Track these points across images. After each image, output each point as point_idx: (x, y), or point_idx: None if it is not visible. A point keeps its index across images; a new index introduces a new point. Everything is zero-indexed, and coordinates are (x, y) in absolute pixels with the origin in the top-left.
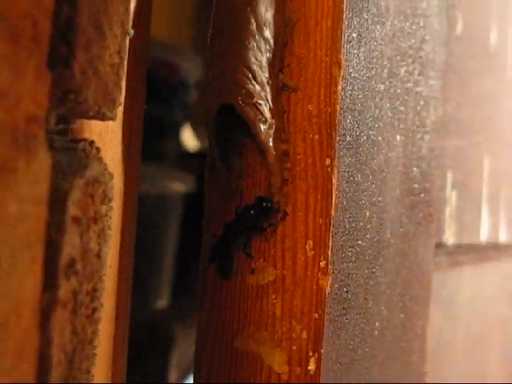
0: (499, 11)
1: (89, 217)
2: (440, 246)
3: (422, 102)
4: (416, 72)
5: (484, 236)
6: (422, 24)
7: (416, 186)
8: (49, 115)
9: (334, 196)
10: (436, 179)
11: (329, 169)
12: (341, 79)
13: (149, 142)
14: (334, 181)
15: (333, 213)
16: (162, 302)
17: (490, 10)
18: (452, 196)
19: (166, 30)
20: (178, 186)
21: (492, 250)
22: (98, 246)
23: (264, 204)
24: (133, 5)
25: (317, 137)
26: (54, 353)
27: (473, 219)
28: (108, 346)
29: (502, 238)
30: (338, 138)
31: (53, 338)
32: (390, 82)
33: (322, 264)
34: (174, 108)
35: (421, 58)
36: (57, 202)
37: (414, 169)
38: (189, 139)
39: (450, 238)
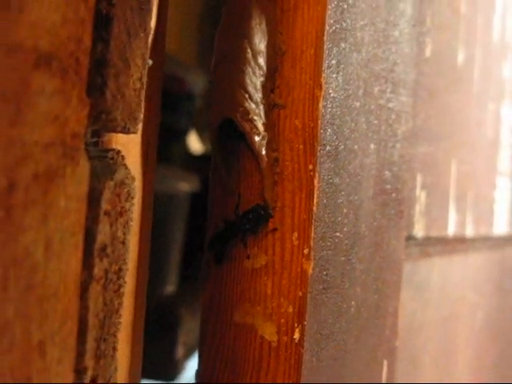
0: (466, 34)
1: (116, 211)
2: (410, 238)
3: (393, 116)
4: (388, 90)
5: (451, 230)
6: (393, 50)
7: (388, 186)
8: (87, 131)
9: (315, 195)
10: (406, 181)
11: (311, 173)
12: (322, 99)
13: (159, 146)
14: (316, 183)
15: (314, 209)
16: (170, 288)
17: (457, 34)
18: (421, 195)
19: (173, 44)
20: (185, 185)
21: (459, 244)
22: (123, 235)
23: (260, 211)
24: (150, 39)
25: (301, 146)
26: (89, 317)
27: (441, 215)
28: (130, 317)
29: (469, 232)
30: (319, 148)
31: (89, 306)
32: (365, 100)
33: (306, 251)
34: (181, 117)
35: (393, 78)
36: (93, 199)
37: (386, 172)
38: (194, 144)
39: (419, 231)
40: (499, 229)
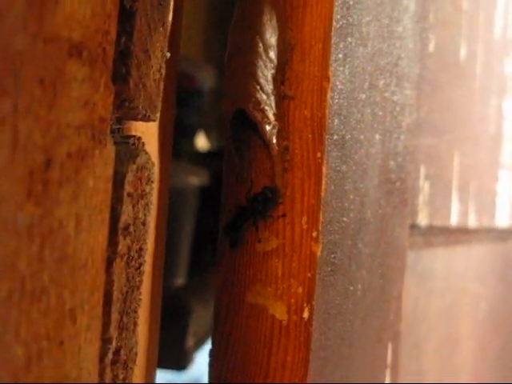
0: (468, 30)
1: (138, 193)
2: (414, 226)
3: (397, 108)
4: (393, 84)
5: (454, 220)
6: (398, 45)
7: (392, 176)
8: (112, 117)
9: (323, 182)
10: (410, 171)
11: (319, 160)
12: (329, 90)
13: None
14: (324, 170)
15: (322, 195)
16: (181, 281)
17: (459, 30)
18: (425, 185)
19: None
20: (194, 179)
21: (462, 235)
22: (143, 216)
23: (268, 193)
24: (168, 33)
25: (310, 135)
26: (114, 291)
27: (444, 205)
28: (148, 296)
29: (471, 223)
30: (326, 137)
31: (114, 280)
32: (371, 92)
33: (314, 235)
34: (191, 112)
35: (397, 72)
36: (117, 181)
37: (391, 162)
38: (203, 139)
39: (422, 219)
40: (502, 221)
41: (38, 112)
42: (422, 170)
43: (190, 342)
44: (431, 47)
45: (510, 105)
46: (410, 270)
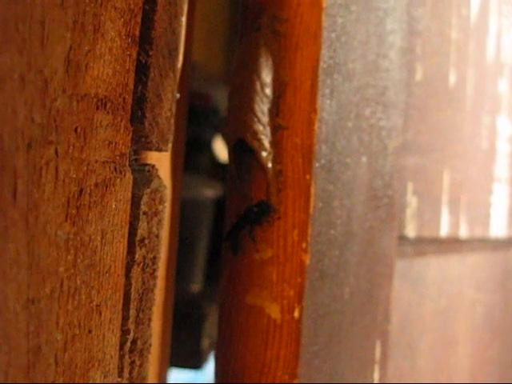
0: (457, 57)
1: (152, 212)
2: (403, 238)
3: (384, 133)
4: (379, 111)
5: (444, 231)
6: (384, 77)
7: (379, 193)
8: (130, 151)
9: (312, 200)
10: (397, 188)
11: (308, 182)
12: (317, 121)
13: (187, 156)
14: (312, 190)
15: (311, 211)
16: (197, 286)
17: (448, 58)
18: (412, 200)
19: (202, 56)
20: (211, 191)
21: (454, 244)
22: (157, 230)
23: (262, 205)
24: (178, 76)
25: (300, 160)
26: (132, 292)
27: (433, 217)
28: (162, 298)
29: (463, 234)
30: (315, 161)
31: (132, 283)
32: (357, 121)
33: (304, 246)
34: (207, 129)
35: (383, 101)
36: (135, 202)
37: (378, 181)
38: (218, 154)
39: (410, 231)
40: (498, 232)
41: (73, 153)
42: (410, 187)
43: (205, 343)
44: (418, 76)
45: (504, 122)
46: (401, 276)
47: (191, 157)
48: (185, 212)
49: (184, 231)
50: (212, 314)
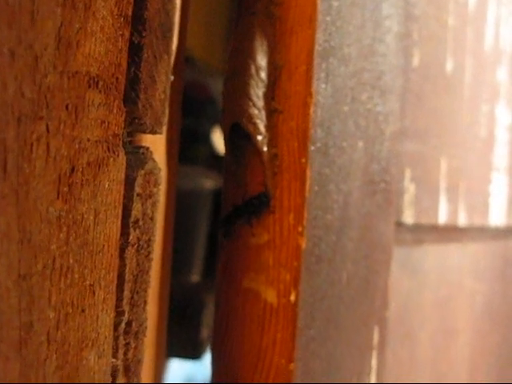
0: (454, 44)
1: (146, 194)
2: (400, 224)
3: (381, 118)
4: (376, 96)
5: (442, 219)
6: (380, 62)
7: (376, 178)
8: (123, 132)
9: (307, 183)
10: (394, 174)
11: (304, 165)
12: (312, 105)
13: (186, 147)
14: (308, 173)
15: (307, 195)
16: (196, 277)
17: (445, 45)
18: (410, 187)
19: (202, 48)
20: (209, 182)
21: (452, 232)
22: (151, 213)
23: (263, 198)
24: (173, 59)
25: (296, 144)
26: (126, 273)
27: (431, 204)
28: (157, 282)
29: (462, 222)
30: (310, 145)
31: (126, 264)
32: (353, 105)
33: (300, 229)
34: (206, 120)
35: (380, 86)
36: (128, 183)
37: (375, 166)
38: (216, 145)
39: (408, 217)
40: (497, 221)
41: (64, 131)
42: (407, 173)
43: (205, 333)
44: (415, 62)
45: (503, 110)
46: (400, 264)
47: (190, 148)
48: (184, 203)
49: (183, 222)
50: (211, 304)
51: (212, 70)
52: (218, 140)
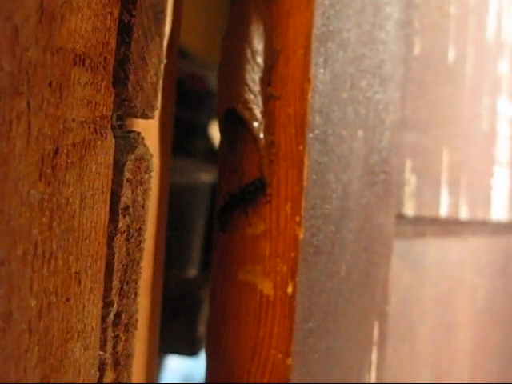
0: (456, 34)
1: (137, 180)
2: (401, 216)
3: (381, 107)
4: (376, 84)
5: (444, 212)
6: (381, 49)
7: (376, 169)
8: (113, 115)
9: (305, 172)
10: (395, 165)
11: (302, 153)
12: (310, 91)
13: (182, 140)
14: (306, 161)
15: (305, 183)
16: (193, 272)
17: (447, 34)
18: (411, 178)
19: (201, 42)
20: (206, 175)
21: (454, 226)
22: (142, 200)
23: (258, 184)
24: (165, 42)
25: (293, 130)
26: (115, 262)
27: (432, 197)
28: (150, 274)
29: (463, 215)
30: (308, 132)
31: (115, 253)
32: (353, 92)
33: (297, 219)
34: (202, 113)
35: (380, 73)
36: (118, 168)
37: (375, 156)
38: (214, 138)
39: (409, 210)
40: (499, 215)
41: (47, 109)
42: (408, 164)
43: (202, 329)
44: (416, 50)
45: (505, 103)
46: (400, 257)
47: (187, 141)
48: (181, 197)
49: (180, 216)
50: (208, 299)
51: (210, 63)
52: (215, 133)
